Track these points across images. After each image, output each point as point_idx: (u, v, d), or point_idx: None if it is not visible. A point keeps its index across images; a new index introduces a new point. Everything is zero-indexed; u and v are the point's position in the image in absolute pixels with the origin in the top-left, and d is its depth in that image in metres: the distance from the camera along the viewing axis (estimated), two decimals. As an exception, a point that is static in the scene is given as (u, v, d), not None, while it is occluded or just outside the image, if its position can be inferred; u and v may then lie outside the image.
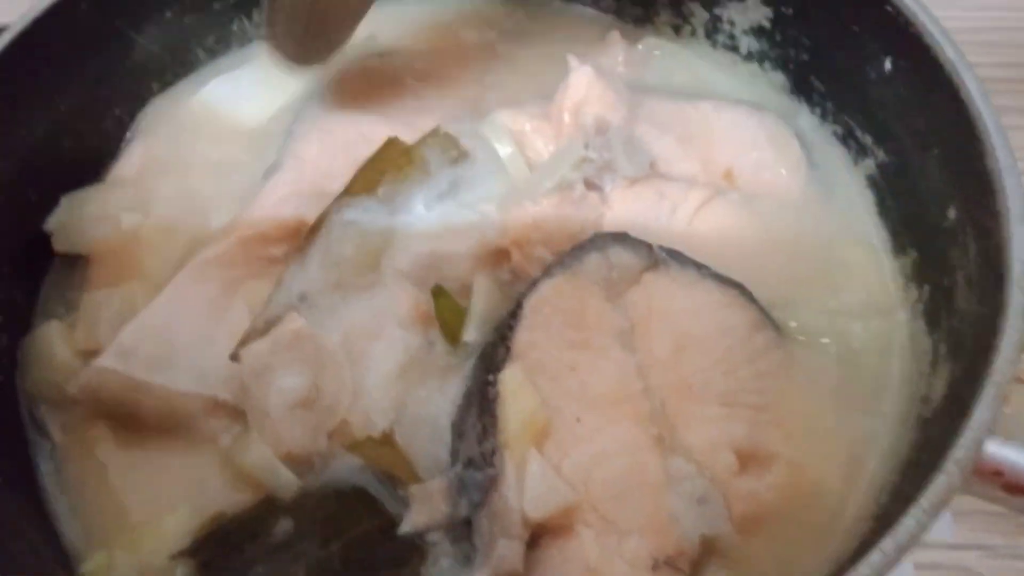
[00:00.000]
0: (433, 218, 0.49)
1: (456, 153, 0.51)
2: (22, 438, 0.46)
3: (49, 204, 0.51)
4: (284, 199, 0.49)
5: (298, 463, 0.43)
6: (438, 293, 0.46)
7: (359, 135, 0.52)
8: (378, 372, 0.44)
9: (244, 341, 0.44)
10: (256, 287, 0.47)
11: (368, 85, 0.55)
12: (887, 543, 0.29)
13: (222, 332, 0.46)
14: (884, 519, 0.35)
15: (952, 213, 0.41)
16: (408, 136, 0.51)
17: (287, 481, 0.42)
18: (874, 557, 0.30)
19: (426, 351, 0.45)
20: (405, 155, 0.50)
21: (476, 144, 0.51)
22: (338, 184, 0.49)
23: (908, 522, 0.30)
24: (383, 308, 0.46)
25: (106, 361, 0.44)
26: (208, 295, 0.47)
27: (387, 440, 0.43)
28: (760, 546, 0.40)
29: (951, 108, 0.40)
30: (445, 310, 0.46)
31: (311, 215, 0.48)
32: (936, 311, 0.43)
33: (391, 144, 0.50)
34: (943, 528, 0.52)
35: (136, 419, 0.45)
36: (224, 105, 0.57)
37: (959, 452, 0.31)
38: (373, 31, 0.57)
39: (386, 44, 0.58)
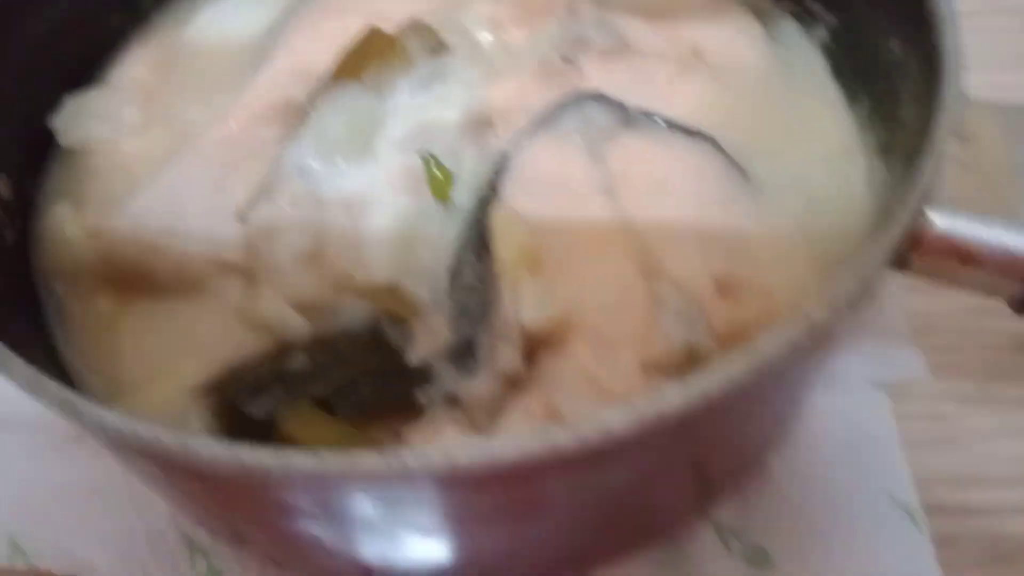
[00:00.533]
0: (418, 102, 0.52)
1: (436, 43, 0.54)
2: (41, 314, 0.48)
3: (54, 102, 0.53)
4: (275, 83, 0.52)
5: (307, 311, 0.45)
6: (426, 159, 0.49)
7: (346, 29, 0.55)
8: (377, 231, 0.47)
9: (250, 205, 0.47)
10: (255, 166, 0.50)
11: None
12: (847, 278, 0.32)
13: (227, 202, 0.48)
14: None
15: (895, 47, 0.45)
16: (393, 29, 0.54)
17: (298, 325, 0.44)
18: (838, 291, 0.32)
19: (420, 212, 0.48)
20: (388, 44, 0.53)
21: (456, 35, 0.55)
22: (326, 71, 0.52)
23: (865, 260, 0.33)
24: (377, 177, 0.49)
25: (119, 225, 0.47)
26: (211, 171, 0.50)
27: (390, 288, 0.46)
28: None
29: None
30: (434, 174, 0.49)
31: (301, 96, 0.51)
32: (889, 140, 0.46)
33: (373, 34, 0.53)
34: (920, 371, 0.55)
35: (147, 283, 0.47)
36: (219, 23, 0.60)
37: (906, 205, 0.34)
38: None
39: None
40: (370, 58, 0.53)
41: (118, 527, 0.52)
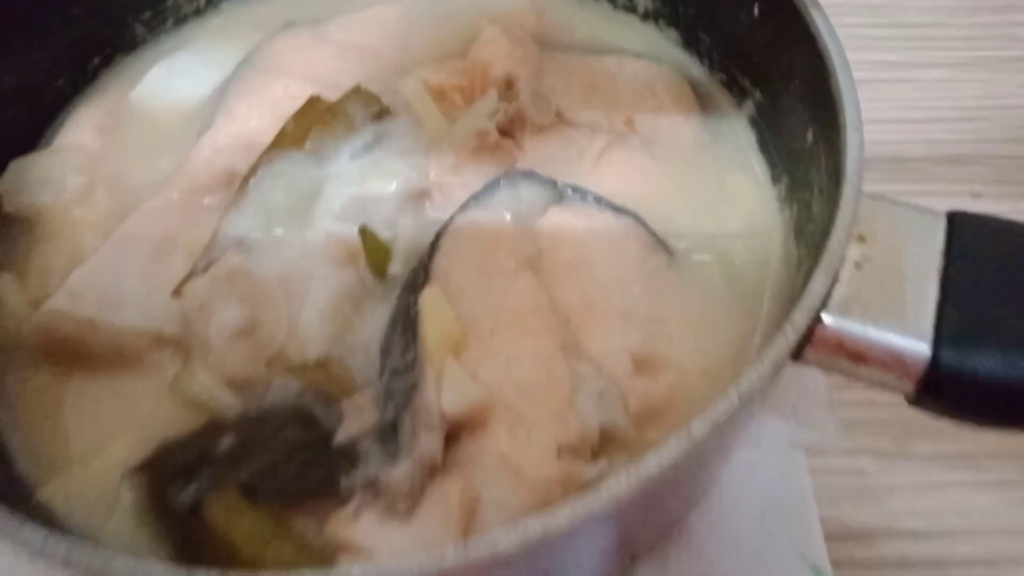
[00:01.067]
0: (358, 168, 0.54)
1: (378, 109, 0.55)
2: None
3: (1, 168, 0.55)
4: (217, 152, 0.54)
5: (239, 388, 0.46)
6: (364, 232, 0.51)
7: (287, 95, 0.56)
8: (312, 305, 0.48)
9: (185, 280, 0.49)
10: (195, 235, 0.51)
11: (295, 52, 0.60)
12: (731, 395, 0.34)
13: (165, 275, 0.49)
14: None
15: (810, 136, 0.47)
16: (333, 96, 0.55)
17: (229, 404, 0.46)
18: (718, 408, 0.35)
19: (357, 285, 0.50)
20: (329, 111, 0.54)
21: (397, 100, 0.56)
22: (267, 139, 0.53)
23: (749, 376, 0.35)
24: (315, 248, 0.50)
25: (57, 302, 0.48)
26: (150, 242, 0.51)
27: (322, 364, 0.47)
28: (653, 435, 0.45)
29: (805, 43, 0.46)
30: (371, 247, 0.50)
31: (242, 166, 0.52)
32: (801, 224, 0.48)
33: (313, 102, 0.55)
34: (833, 435, 0.57)
35: (84, 357, 0.48)
36: (165, 86, 0.61)
37: (796, 315, 0.36)
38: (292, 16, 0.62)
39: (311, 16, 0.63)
40: (311, 125, 0.54)
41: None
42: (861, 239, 0.41)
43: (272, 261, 0.49)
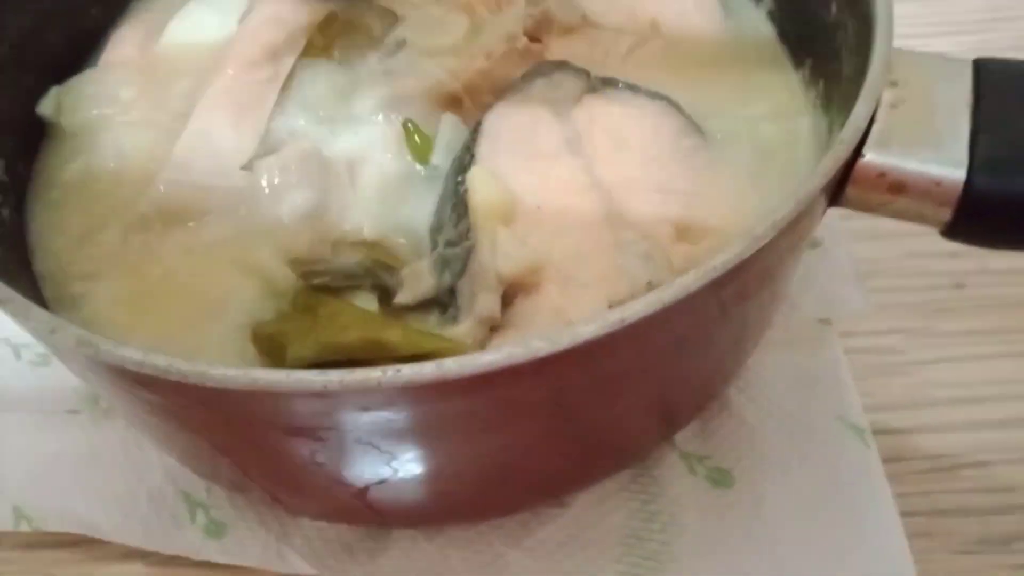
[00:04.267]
0: (389, 68, 0.56)
1: (393, 19, 0.58)
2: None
3: (43, 90, 0.56)
4: (256, 31, 0.56)
5: (298, 264, 0.48)
6: (407, 124, 0.53)
7: None
8: (367, 187, 0.51)
9: (256, 157, 0.51)
10: (258, 108, 0.53)
11: None
12: (789, 203, 0.36)
13: (246, 143, 0.52)
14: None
15: (833, 8, 0.49)
16: None
17: (285, 277, 0.47)
18: (781, 213, 0.36)
19: (405, 170, 0.52)
20: (349, 25, 0.58)
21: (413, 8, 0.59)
22: (298, 18, 0.56)
23: (804, 189, 0.37)
24: (369, 137, 0.53)
25: (169, 174, 0.50)
26: (227, 114, 0.53)
27: (378, 242, 0.49)
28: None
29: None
30: (414, 138, 0.53)
31: (280, 41, 0.55)
32: (830, 93, 0.51)
33: (332, 17, 0.58)
34: (862, 309, 0.59)
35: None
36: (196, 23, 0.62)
37: (842, 140, 0.38)
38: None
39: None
40: (335, 37, 0.57)
41: (118, 489, 0.55)
42: (893, 84, 0.43)
43: (332, 148, 0.52)
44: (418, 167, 0.52)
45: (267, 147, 0.51)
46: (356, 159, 0.51)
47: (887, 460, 0.53)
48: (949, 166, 0.41)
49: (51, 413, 0.58)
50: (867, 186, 0.42)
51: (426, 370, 0.32)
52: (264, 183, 0.49)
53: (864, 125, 0.39)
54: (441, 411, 0.35)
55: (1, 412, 0.59)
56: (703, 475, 0.52)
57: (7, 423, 0.58)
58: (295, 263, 0.48)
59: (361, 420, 0.34)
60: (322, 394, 0.32)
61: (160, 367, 0.32)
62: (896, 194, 0.41)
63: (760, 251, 0.36)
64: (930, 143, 0.41)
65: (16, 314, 0.36)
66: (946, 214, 0.41)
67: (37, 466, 0.56)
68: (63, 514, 0.54)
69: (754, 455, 0.52)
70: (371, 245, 0.49)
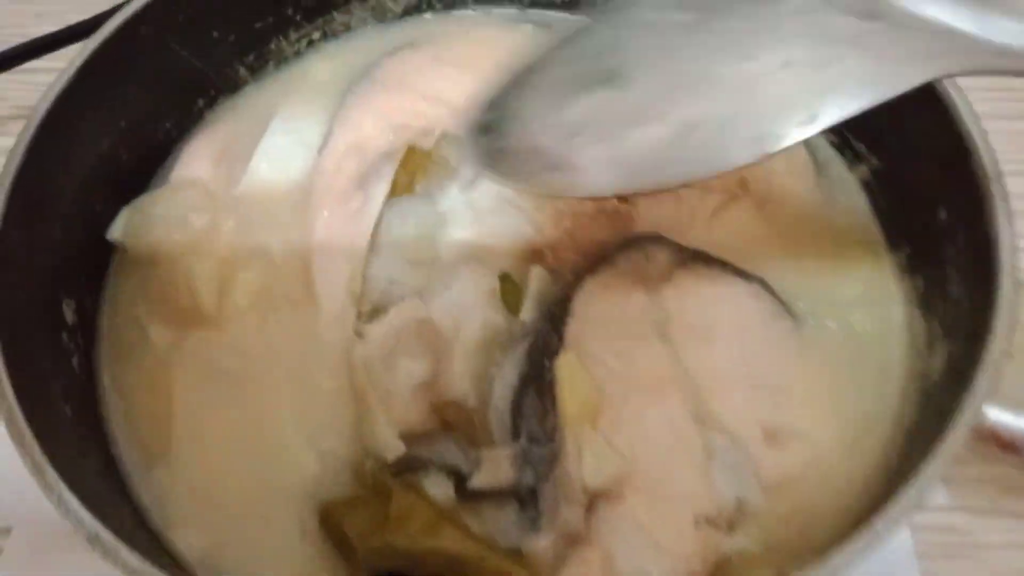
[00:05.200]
0: (470, 200, 0.55)
1: None
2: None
3: (112, 213, 0.55)
4: (340, 160, 0.56)
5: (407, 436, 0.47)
6: (503, 277, 0.52)
7: (402, 108, 0.59)
8: (464, 346, 0.49)
9: (359, 321, 0.50)
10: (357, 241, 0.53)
11: (413, 69, 0.62)
12: (904, 498, 0.35)
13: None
14: (895, 480, 0.40)
15: (943, 214, 0.47)
16: (447, 113, 0.57)
17: (396, 449, 0.47)
18: (891, 510, 0.35)
19: (502, 328, 0.50)
20: (428, 158, 0.57)
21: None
22: (380, 145, 0.57)
23: (923, 474, 0.35)
24: (468, 290, 0.51)
25: None
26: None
27: (468, 409, 0.48)
28: (785, 508, 0.46)
29: (938, 118, 0.46)
30: (508, 291, 0.52)
31: (365, 169, 0.55)
32: (931, 298, 0.49)
33: (412, 151, 0.57)
34: (937, 492, 0.58)
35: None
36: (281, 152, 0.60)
37: (966, 415, 0.37)
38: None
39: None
40: (416, 172, 0.56)
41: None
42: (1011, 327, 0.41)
43: (436, 305, 0.50)
44: (507, 320, 0.51)
45: (370, 302, 0.51)
46: (459, 318, 0.50)
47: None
48: (1067, 431, 0.39)
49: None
50: (976, 440, 0.40)
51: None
52: (376, 349, 0.48)
53: (984, 400, 0.38)
54: None
55: (49, 524, 0.57)
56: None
57: (56, 538, 0.56)
58: (407, 436, 0.47)
59: None
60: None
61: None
62: (1006, 452, 0.40)
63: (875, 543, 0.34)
64: (1047, 402, 0.40)
65: (106, 554, 0.35)
66: (1056, 475, 0.40)
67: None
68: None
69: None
70: (459, 411, 0.48)
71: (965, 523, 0.59)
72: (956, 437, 0.36)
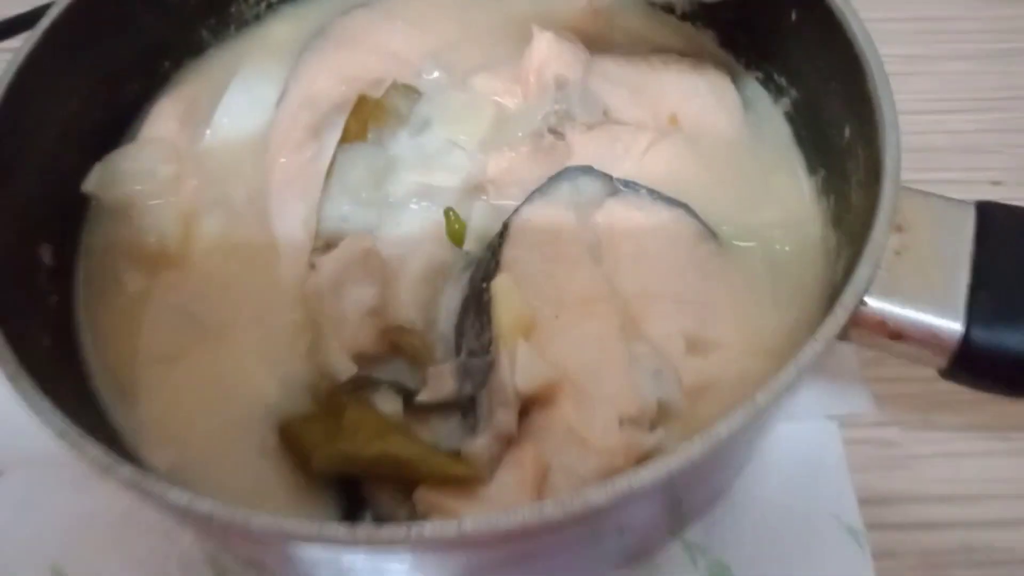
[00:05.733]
0: (418, 144, 0.60)
1: (417, 96, 0.62)
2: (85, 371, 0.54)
3: (87, 168, 0.59)
4: (296, 113, 0.60)
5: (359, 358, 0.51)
6: (448, 212, 0.56)
7: (354, 63, 0.63)
8: (410, 276, 0.53)
9: (313, 255, 0.54)
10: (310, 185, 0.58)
11: (365, 26, 0.66)
12: (788, 370, 0.38)
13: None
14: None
15: (847, 132, 0.51)
16: (397, 67, 0.62)
17: (348, 370, 0.50)
18: (776, 381, 0.39)
19: (445, 259, 0.55)
20: (378, 106, 0.61)
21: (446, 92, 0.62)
22: (331, 99, 0.60)
23: (805, 352, 0.39)
24: (411, 226, 0.56)
25: None
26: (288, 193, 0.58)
27: (416, 332, 0.52)
28: (704, 409, 0.49)
29: (842, 46, 0.49)
30: (453, 225, 0.56)
31: (318, 120, 0.59)
32: (839, 213, 0.52)
33: (363, 100, 0.61)
34: (867, 406, 0.62)
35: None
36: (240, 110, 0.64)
37: (845, 298, 0.40)
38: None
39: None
40: (366, 120, 0.60)
41: (151, 551, 0.58)
42: (899, 229, 0.45)
43: (381, 238, 0.54)
44: (452, 252, 0.55)
45: (323, 238, 0.54)
46: (406, 250, 0.54)
47: (880, 555, 0.55)
48: (947, 319, 0.43)
49: (87, 473, 0.62)
50: (868, 330, 0.44)
51: (448, 529, 0.34)
52: (326, 279, 0.52)
53: (866, 285, 0.41)
54: (459, 559, 0.38)
55: (40, 467, 0.62)
56: (704, 567, 0.55)
57: (46, 479, 0.62)
58: (358, 358, 0.51)
59: (385, 566, 0.37)
60: (350, 544, 0.35)
61: (204, 512, 0.36)
62: (896, 340, 0.44)
63: (759, 414, 0.38)
64: (930, 294, 0.43)
65: (73, 447, 0.39)
66: (943, 362, 0.44)
67: (74, 526, 0.59)
68: (99, 574, 0.58)
69: (753, 551, 0.55)
70: (409, 334, 0.52)
71: (898, 436, 0.63)
72: (835, 319, 0.40)
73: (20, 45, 0.55)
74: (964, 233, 0.44)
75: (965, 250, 0.44)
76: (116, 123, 0.63)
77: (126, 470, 0.37)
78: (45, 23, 0.55)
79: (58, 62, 0.56)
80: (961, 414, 0.63)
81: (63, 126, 0.58)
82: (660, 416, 0.49)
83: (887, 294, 0.43)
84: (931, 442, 0.62)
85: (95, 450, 0.39)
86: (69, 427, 0.39)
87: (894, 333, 0.43)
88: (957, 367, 0.43)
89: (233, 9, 0.68)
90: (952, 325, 0.42)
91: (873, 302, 0.43)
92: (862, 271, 0.41)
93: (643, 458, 0.47)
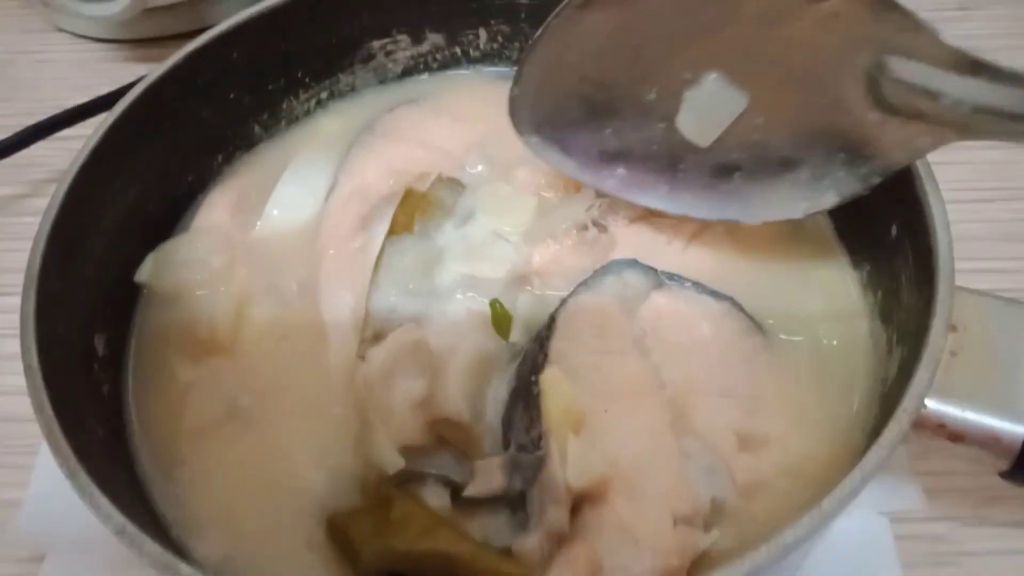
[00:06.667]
0: (464, 235, 0.61)
1: (461, 189, 0.63)
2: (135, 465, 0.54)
3: (140, 258, 0.60)
4: (345, 204, 0.62)
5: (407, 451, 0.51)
6: (494, 303, 0.57)
7: (400, 156, 0.65)
8: (458, 368, 0.54)
9: (362, 346, 0.55)
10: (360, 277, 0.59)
11: (411, 121, 0.68)
12: (853, 476, 0.38)
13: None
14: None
15: (894, 231, 0.51)
16: (442, 160, 0.64)
17: (395, 464, 0.50)
18: (842, 488, 0.38)
19: (492, 351, 0.55)
20: (424, 199, 0.63)
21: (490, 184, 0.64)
22: (382, 191, 0.62)
23: (869, 458, 0.39)
24: (457, 316, 0.56)
25: None
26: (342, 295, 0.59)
27: (463, 425, 0.52)
28: (759, 508, 0.49)
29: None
30: (499, 316, 0.56)
31: (367, 211, 0.61)
32: (888, 308, 0.53)
33: (409, 194, 0.63)
34: (919, 502, 0.60)
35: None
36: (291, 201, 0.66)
37: (906, 405, 0.40)
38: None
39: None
40: (413, 212, 0.62)
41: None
42: (953, 328, 0.45)
43: (432, 330, 0.55)
44: (498, 344, 0.55)
45: (371, 328, 0.55)
46: (453, 341, 0.54)
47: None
48: (1009, 421, 0.42)
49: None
50: (926, 433, 0.44)
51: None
52: (376, 370, 0.52)
53: (926, 389, 0.41)
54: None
55: (81, 551, 0.62)
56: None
57: (91, 562, 0.60)
58: (405, 450, 0.51)
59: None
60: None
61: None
62: (955, 442, 0.43)
63: (824, 520, 0.37)
64: (990, 396, 0.43)
65: (132, 545, 0.39)
66: (1004, 465, 0.43)
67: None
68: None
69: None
70: (456, 427, 0.52)
71: (950, 532, 0.61)
72: (898, 425, 0.40)
73: (90, 133, 0.57)
74: (1020, 333, 0.44)
75: (1022, 349, 0.44)
76: (171, 214, 0.65)
77: (186, 569, 0.37)
78: (107, 122, 0.58)
79: (118, 158, 0.58)
80: (1014, 510, 0.61)
81: (123, 216, 0.59)
82: (713, 514, 0.48)
83: (945, 396, 0.43)
84: (983, 538, 0.61)
85: (154, 548, 0.39)
86: (127, 524, 0.39)
87: (954, 435, 0.43)
88: (1020, 469, 0.43)
89: (284, 105, 0.70)
90: (1015, 428, 0.42)
91: (932, 404, 0.43)
92: (921, 375, 0.41)
93: (697, 559, 0.47)
